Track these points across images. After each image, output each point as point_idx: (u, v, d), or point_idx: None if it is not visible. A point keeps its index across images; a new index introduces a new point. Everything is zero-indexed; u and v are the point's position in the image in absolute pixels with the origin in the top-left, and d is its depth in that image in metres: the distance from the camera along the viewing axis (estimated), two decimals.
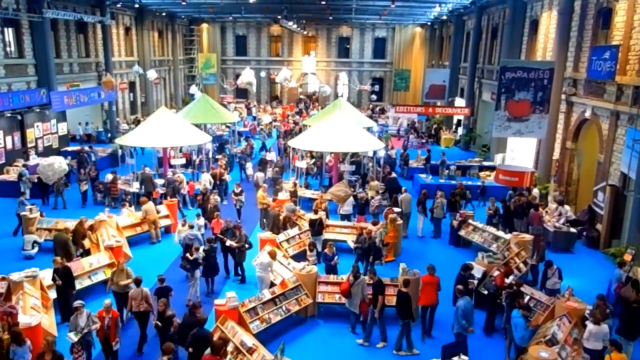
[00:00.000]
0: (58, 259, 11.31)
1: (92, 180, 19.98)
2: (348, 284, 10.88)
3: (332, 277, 12.15)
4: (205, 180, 19.93)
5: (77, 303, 9.35)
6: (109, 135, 31.10)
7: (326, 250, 12.93)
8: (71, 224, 14.66)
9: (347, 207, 17.26)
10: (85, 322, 9.08)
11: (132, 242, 15.28)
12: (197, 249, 12.11)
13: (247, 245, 13.43)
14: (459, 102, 35.50)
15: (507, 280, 11.53)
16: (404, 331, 10.44)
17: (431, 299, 10.92)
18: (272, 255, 12.28)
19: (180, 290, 12.10)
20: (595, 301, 10.25)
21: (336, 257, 12.94)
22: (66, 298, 11.02)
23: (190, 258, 11.98)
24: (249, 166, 23.78)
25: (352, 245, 13.85)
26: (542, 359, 8.31)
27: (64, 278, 10.98)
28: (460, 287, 10.25)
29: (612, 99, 16.31)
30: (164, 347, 8.39)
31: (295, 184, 19.24)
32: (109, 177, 19.50)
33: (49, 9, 24.35)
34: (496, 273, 11.93)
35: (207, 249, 12.34)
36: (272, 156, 23.34)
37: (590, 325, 9.52)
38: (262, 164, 22.81)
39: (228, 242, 13.37)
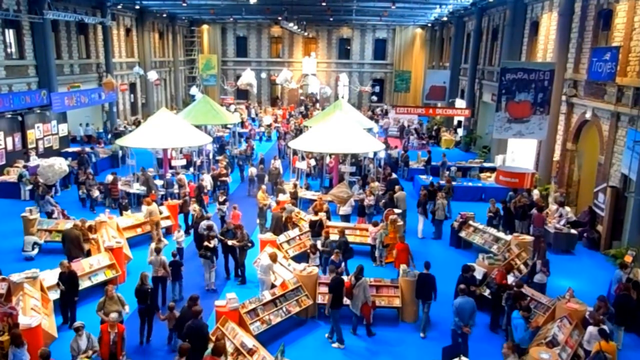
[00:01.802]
0: (65, 262, 11.21)
1: (82, 183, 19.74)
2: (350, 284, 10.90)
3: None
4: (206, 181, 19.94)
5: (77, 324, 8.92)
6: (109, 136, 31.09)
7: (333, 257, 12.90)
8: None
9: (346, 208, 17.27)
10: (86, 345, 8.73)
11: (132, 243, 15.26)
12: (214, 237, 13.09)
13: (249, 244, 13.48)
14: (460, 103, 35.50)
15: (509, 279, 11.59)
16: (428, 312, 11.31)
17: (404, 262, 13.06)
18: (273, 258, 12.26)
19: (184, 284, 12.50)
20: (596, 302, 10.27)
21: (343, 264, 12.95)
22: (69, 304, 10.97)
23: (211, 246, 12.87)
24: (253, 171, 23.30)
25: (320, 247, 13.92)
26: None
27: (68, 283, 10.84)
28: (462, 286, 10.32)
29: (613, 101, 16.30)
30: (179, 348, 8.40)
31: (295, 185, 19.23)
32: (109, 178, 19.50)
33: (49, 10, 24.36)
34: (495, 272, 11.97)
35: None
36: (278, 163, 22.19)
37: (590, 327, 9.52)
38: (262, 164, 22.85)
39: (230, 242, 13.39)
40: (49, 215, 16.86)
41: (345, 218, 17.24)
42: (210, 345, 8.64)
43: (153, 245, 12.64)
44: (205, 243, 12.97)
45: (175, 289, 12.23)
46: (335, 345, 10.75)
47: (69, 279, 10.90)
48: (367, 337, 11.14)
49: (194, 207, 16.11)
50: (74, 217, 16.07)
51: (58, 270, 11.17)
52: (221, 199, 17.40)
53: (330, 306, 10.67)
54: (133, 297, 10.55)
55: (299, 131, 30.67)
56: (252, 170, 21.64)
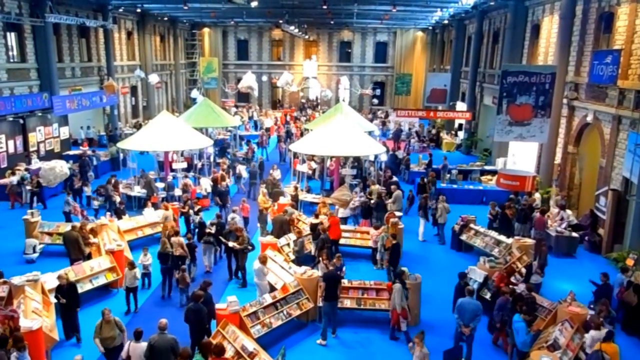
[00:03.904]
0: (63, 274, 11.03)
1: (77, 190, 19.49)
2: (391, 285, 11.16)
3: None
4: (206, 184, 19.96)
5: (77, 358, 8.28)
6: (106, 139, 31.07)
7: (334, 261, 12.84)
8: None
9: (346, 210, 17.25)
10: None
11: (133, 246, 15.21)
12: (213, 224, 14.38)
13: (250, 247, 13.50)
14: (460, 106, 35.50)
15: (513, 281, 11.61)
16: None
17: (337, 234, 14.52)
18: (262, 260, 12.17)
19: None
20: (598, 306, 10.24)
21: (344, 268, 12.91)
22: (71, 316, 10.79)
23: (213, 231, 14.19)
24: (242, 168, 22.72)
25: (295, 248, 14.03)
26: None
27: (68, 296, 10.60)
28: (470, 288, 10.46)
29: (614, 104, 16.30)
30: (180, 353, 8.37)
31: (296, 188, 19.23)
32: (110, 180, 19.47)
33: (51, 14, 24.39)
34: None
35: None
36: (277, 173, 21.30)
37: (592, 331, 9.50)
38: (260, 167, 22.83)
39: (231, 244, 13.44)
40: (67, 215, 16.83)
41: (344, 221, 17.20)
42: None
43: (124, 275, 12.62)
44: (207, 230, 14.31)
45: (189, 270, 13.22)
46: (319, 341, 10.83)
47: (68, 292, 10.63)
48: (367, 339, 11.13)
49: (172, 224, 15.36)
50: (92, 218, 15.93)
51: (57, 283, 10.87)
52: (196, 208, 16.68)
53: (324, 299, 10.76)
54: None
55: (290, 133, 32.19)
56: (241, 168, 22.17)
